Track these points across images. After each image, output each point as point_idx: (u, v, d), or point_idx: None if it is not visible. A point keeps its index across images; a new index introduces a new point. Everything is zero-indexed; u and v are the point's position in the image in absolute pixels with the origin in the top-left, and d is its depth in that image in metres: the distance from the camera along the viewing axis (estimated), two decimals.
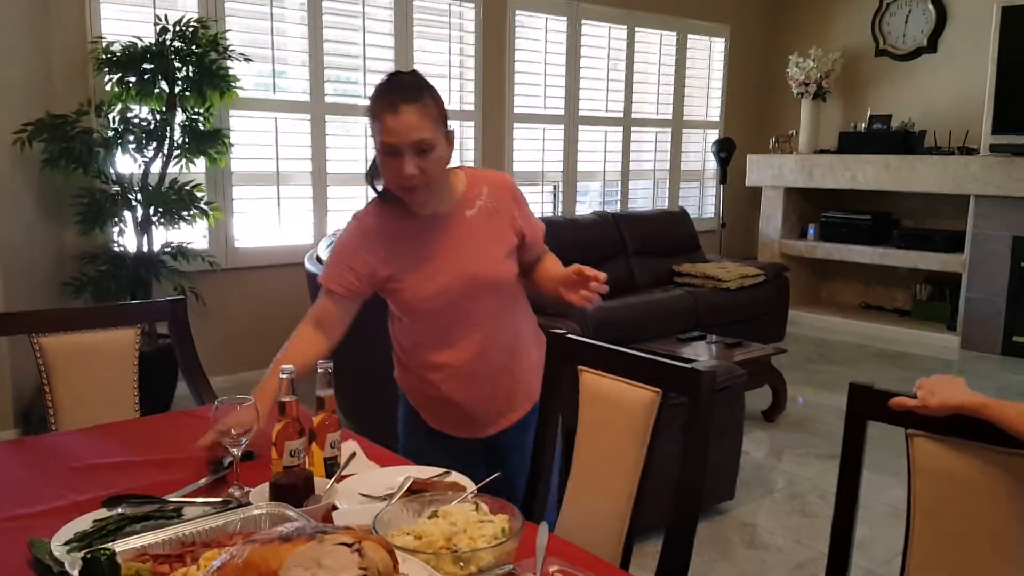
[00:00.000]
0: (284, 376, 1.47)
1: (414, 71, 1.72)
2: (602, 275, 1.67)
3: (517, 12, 5.58)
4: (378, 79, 1.70)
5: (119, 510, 1.33)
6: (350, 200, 5.00)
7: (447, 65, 5.29)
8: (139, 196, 3.86)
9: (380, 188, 1.79)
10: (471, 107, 5.42)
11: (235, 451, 1.45)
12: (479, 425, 1.88)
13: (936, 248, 5.93)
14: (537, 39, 5.76)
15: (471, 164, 5.51)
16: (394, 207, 1.76)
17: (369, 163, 1.80)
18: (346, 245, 1.78)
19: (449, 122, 1.71)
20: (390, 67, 4.95)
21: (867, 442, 1.43)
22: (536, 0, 5.66)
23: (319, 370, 1.54)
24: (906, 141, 6.03)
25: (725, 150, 6.71)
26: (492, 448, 1.94)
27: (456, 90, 5.37)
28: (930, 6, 6.19)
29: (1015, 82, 5.34)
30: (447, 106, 1.73)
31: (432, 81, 1.71)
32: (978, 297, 5.62)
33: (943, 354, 5.67)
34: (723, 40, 6.94)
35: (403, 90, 1.62)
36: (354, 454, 1.60)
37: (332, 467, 1.51)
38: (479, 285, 1.77)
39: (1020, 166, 5.29)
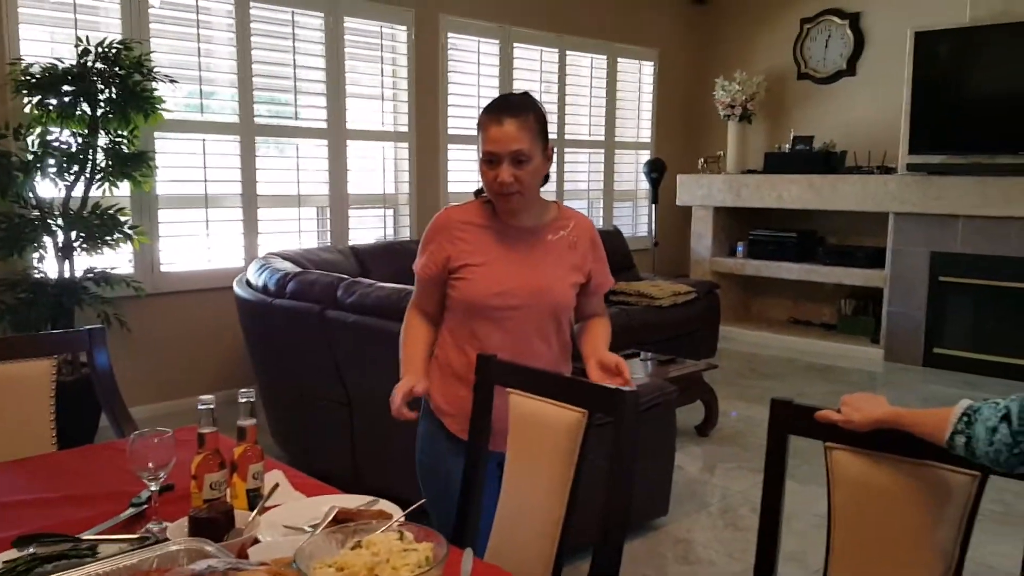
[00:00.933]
0: (203, 408, 1.44)
1: (526, 93, 1.89)
2: (629, 379, 1.79)
3: (450, 35, 5.62)
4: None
5: (30, 550, 1.28)
6: (281, 222, 4.94)
7: (379, 87, 5.28)
8: (60, 221, 3.74)
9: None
10: (405, 128, 5.42)
11: (153, 486, 1.41)
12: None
13: (859, 264, 6.14)
14: (471, 62, 5.80)
15: (406, 184, 5.50)
16: (486, 210, 1.91)
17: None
18: (428, 234, 1.93)
19: (548, 140, 1.87)
20: (321, 88, 4.94)
21: (798, 455, 1.47)
22: (468, 23, 5.71)
23: (241, 400, 1.51)
24: (828, 161, 6.25)
25: (656, 171, 6.85)
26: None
27: (389, 112, 5.36)
28: (848, 31, 6.45)
29: (928, 104, 5.59)
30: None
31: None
32: (899, 311, 5.84)
33: (868, 366, 5.86)
34: (652, 64, 7.10)
35: (509, 107, 1.80)
36: (277, 485, 1.57)
37: (255, 499, 1.48)
38: (541, 301, 1.89)
39: (936, 184, 5.52)
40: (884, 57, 6.21)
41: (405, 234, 5.55)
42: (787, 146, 6.57)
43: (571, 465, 1.59)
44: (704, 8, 7.33)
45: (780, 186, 6.38)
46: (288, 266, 3.77)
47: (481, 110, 1.84)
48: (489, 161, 1.80)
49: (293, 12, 4.82)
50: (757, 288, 7.13)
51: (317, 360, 3.33)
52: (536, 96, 1.89)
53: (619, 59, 6.82)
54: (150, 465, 1.40)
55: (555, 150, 1.93)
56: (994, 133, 5.39)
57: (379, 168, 5.39)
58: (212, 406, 1.45)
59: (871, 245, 6.17)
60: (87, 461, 1.81)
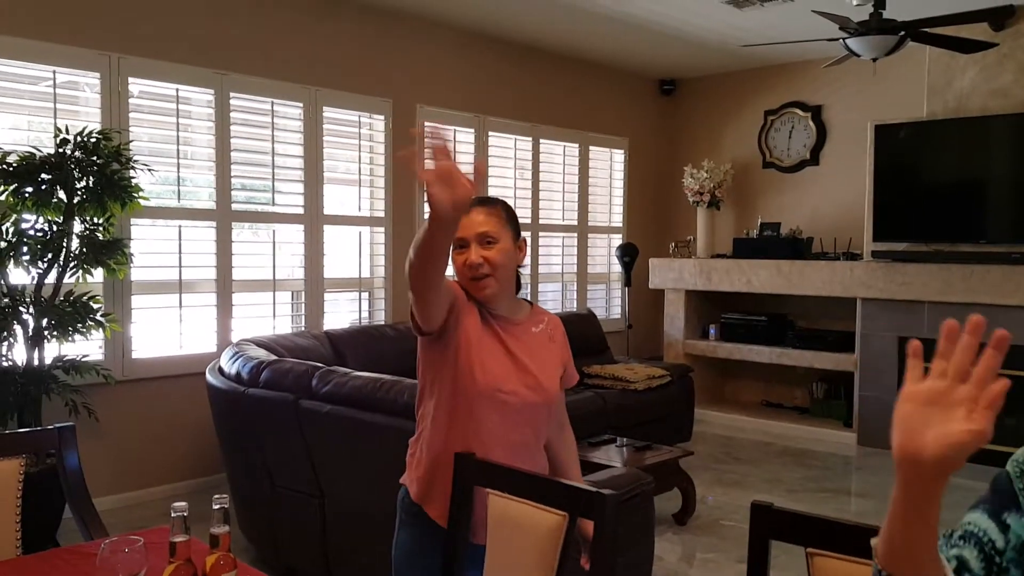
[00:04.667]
0: (175, 515, 1.41)
1: (497, 199, 1.94)
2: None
3: (427, 124, 5.73)
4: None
5: None
6: (256, 307, 4.92)
7: (357, 173, 5.36)
8: (32, 309, 3.70)
9: None
10: (381, 213, 5.49)
11: None
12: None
13: (829, 348, 6.22)
14: (448, 151, 5.91)
15: (382, 268, 5.54)
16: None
17: None
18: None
19: (520, 230, 1.90)
20: (299, 175, 5.00)
21: (781, 558, 1.46)
22: (444, 113, 5.86)
23: (215, 506, 1.48)
24: (795, 247, 6.40)
25: (628, 254, 6.96)
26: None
27: (367, 197, 5.43)
28: (811, 122, 6.71)
29: (890, 193, 5.78)
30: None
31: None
32: (870, 395, 5.90)
33: (842, 451, 5.87)
34: (622, 151, 7.30)
35: (479, 201, 1.84)
36: None
37: None
38: (538, 390, 1.88)
39: (900, 271, 5.67)
40: (846, 148, 6.45)
41: (380, 318, 5.55)
42: (755, 232, 6.72)
43: (551, 569, 1.57)
44: (672, 99, 7.59)
45: (749, 271, 6.51)
46: (262, 353, 3.73)
47: None
48: (459, 248, 1.82)
49: (273, 102, 4.92)
50: (730, 371, 7.18)
51: (290, 450, 3.27)
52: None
53: (591, 147, 7.01)
54: None
55: (527, 243, 1.95)
56: (953, 222, 5.57)
57: (355, 252, 5.43)
58: (185, 513, 1.42)
59: (840, 329, 6.27)
60: (54, 568, 1.75)
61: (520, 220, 1.96)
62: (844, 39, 4.04)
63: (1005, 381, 0.81)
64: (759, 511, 1.48)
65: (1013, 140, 5.38)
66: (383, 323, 5.39)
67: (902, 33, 3.94)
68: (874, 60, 4.25)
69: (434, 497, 1.83)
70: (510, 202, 1.97)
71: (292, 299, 5.16)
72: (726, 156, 7.12)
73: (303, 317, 5.15)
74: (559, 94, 6.70)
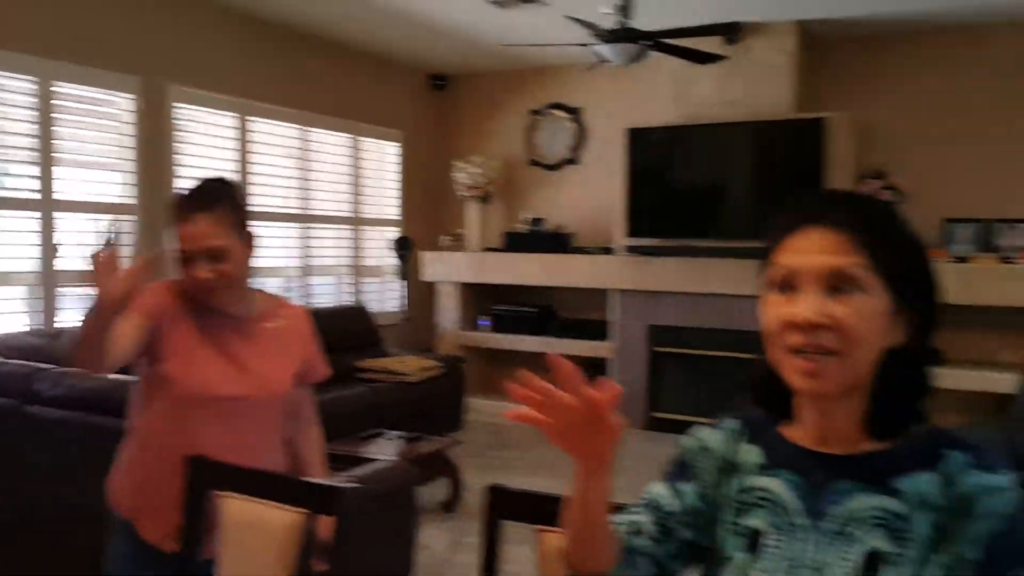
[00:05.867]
0: None
1: (221, 179, 1.84)
2: None
3: (181, 105, 5.37)
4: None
5: None
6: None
7: (99, 156, 4.90)
8: None
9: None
10: (131, 200, 5.06)
11: None
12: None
13: (588, 336, 6.61)
14: (205, 133, 5.59)
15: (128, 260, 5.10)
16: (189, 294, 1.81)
17: None
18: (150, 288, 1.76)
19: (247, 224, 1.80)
20: (33, 156, 4.49)
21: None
22: (201, 95, 5.50)
23: None
24: (559, 241, 6.73)
25: (403, 247, 6.97)
26: None
27: (112, 182, 4.98)
28: (570, 123, 7.07)
29: (641, 192, 6.24)
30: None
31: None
32: (624, 379, 6.34)
33: None
34: (396, 144, 7.29)
35: (202, 200, 1.73)
36: None
37: None
38: (263, 393, 1.80)
39: (650, 264, 6.15)
40: (603, 149, 6.85)
41: None
42: (523, 227, 6.99)
43: (289, 569, 1.53)
44: (444, 94, 7.68)
45: (518, 264, 6.76)
46: None
47: (174, 199, 1.76)
48: (184, 259, 1.72)
49: None
50: (501, 360, 7.41)
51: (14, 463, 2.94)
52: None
53: (363, 138, 6.92)
54: None
55: (255, 233, 1.85)
56: (696, 219, 6.12)
57: (98, 241, 4.96)
58: None
59: (599, 319, 6.68)
60: None
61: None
62: (594, 45, 4.30)
63: (614, 388, 0.98)
64: (492, 493, 1.54)
65: (745, 146, 6.00)
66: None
67: (645, 42, 4.26)
68: (623, 66, 4.56)
69: (148, 515, 1.74)
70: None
71: (28, 294, 4.63)
72: (495, 152, 7.33)
73: (41, 314, 4.64)
74: (330, 83, 6.54)
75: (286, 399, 1.90)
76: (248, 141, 5.84)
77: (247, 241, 1.80)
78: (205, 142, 5.59)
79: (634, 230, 6.27)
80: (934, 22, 5.66)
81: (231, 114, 5.72)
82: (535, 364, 1.04)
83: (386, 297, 7.34)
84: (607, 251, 6.52)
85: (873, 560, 0.99)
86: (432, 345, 7.29)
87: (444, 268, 7.12)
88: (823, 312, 0.99)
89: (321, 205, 6.54)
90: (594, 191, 6.92)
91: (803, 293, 1.01)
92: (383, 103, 7.12)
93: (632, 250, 6.25)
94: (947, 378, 5.30)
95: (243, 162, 5.76)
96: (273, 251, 6.10)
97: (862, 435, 1.05)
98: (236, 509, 1.62)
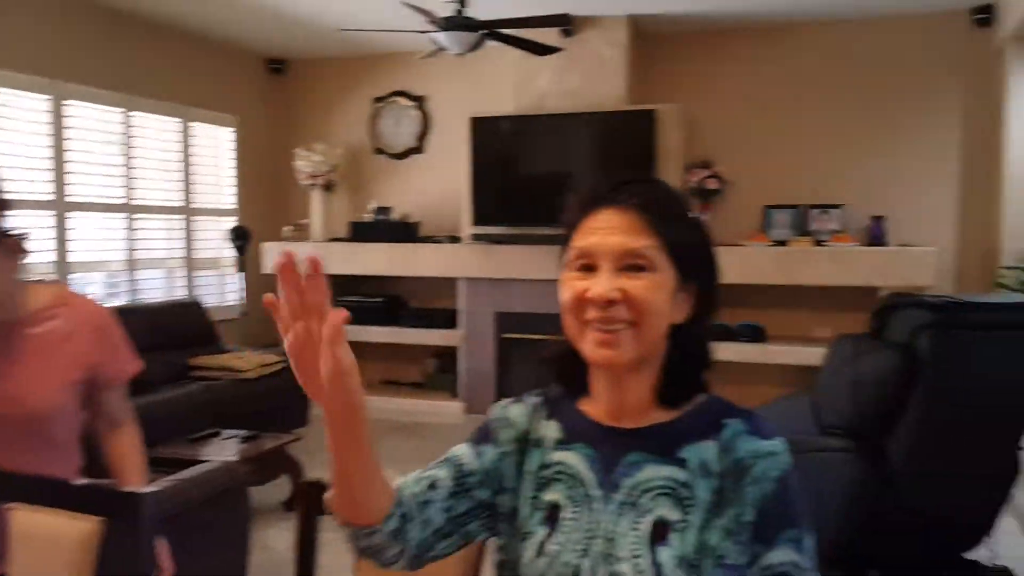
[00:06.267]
0: None
1: None
2: None
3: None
4: None
5: None
6: None
7: None
8: None
9: None
10: None
11: None
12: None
13: (438, 325, 6.60)
14: (10, 118, 5.11)
15: None
16: None
17: None
18: None
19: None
20: None
21: None
22: (6, 76, 5.03)
23: None
24: (406, 231, 6.67)
25: (240, 238, 6.68)
26: None
27: None
28: (415, 112, 7.01)
29: (485, 181, 6.28)
30: None
31: None
32: (474, 367, 6.39)
33: (450, 420, 6.28)
34: (231, 130, 6.97)
35: None
36: None
37: None
38: (14, 410, 1.61)
39: (496, 252, 6.20)
40: (448, 138, 6.84)
41: None
42: (369, 216, 6.87)
43: None
44: (282, 79, 7.41)
45: (365, 254, 6.64)
46: None
47: None
48: None
49: None
50: (353, 352, 7.26)
51: None
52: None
53: (195, 123, 6.57)
54: None
55: (15, 241, 1.70)
56: (539, 208, 6.19)
57: None
58: None
59: (448, 307, 6.68)
60: None
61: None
62: (432, 33, 4.27)
63: (341, 313, 0.91)
64: (309, 487, 1.49)
65: (584, 136, 6.15)
66: None
67: (481, 31, 4.27)
68: (460, 55, 4.55)
69: None
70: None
71: None
72: (338, 140, 7.15)
73: None
74: (157, 65, 6.15)
75: (48, 414, 1.68)
76: (65, 127, 5.40)
77: (8, 245, 1.62)
78: (10, 127, 5.11)
79: (480, 219, 6.30)
80: (751, 20, 6.03)
81: (43, 96, 5.27)
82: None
83: (224, 291, 7.03)
84: (454, 240, 6.52)
85: (660, 528, 1.03)
86: (275, 340, 7.04)
87: None
88: (617, 287, 1.04)
89: (149, 194, 6.16)
90: (440, 180, 6.89)
91: (599, 272, 1.04)
92: (216, 87, 6.78)
93: (478, 238, 6.29)
94: (768, 353, 5.67)
95: (57, 148, 5.32)
96: (94, 244, 5.69)
97: (652, 407, 1.10)
98: (25, 521, 1.49)
